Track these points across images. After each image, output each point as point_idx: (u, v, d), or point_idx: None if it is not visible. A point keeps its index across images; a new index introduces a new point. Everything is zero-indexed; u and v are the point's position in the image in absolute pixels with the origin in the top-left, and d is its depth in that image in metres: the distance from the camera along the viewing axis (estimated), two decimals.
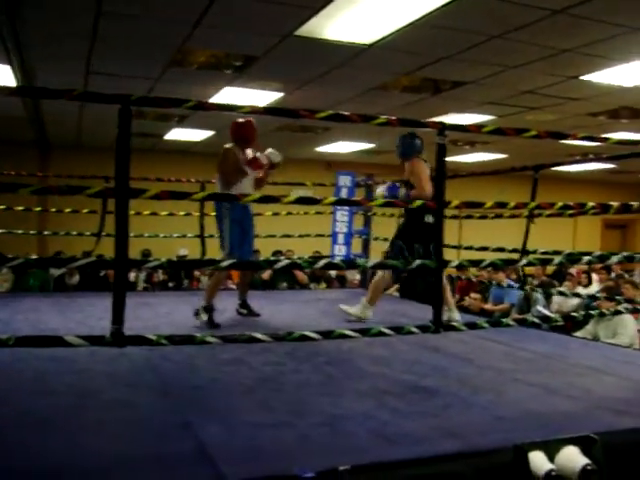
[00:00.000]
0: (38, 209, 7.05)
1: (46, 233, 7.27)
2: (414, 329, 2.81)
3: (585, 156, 11.41)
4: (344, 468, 1.94)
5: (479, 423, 2.48)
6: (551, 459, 1.98)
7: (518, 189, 9.78)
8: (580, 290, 8.21)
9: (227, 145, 4.78)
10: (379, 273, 4.99)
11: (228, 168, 4.67)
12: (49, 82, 6.53)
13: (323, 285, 10.40)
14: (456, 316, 4.87)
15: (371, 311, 4.86)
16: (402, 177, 4.88)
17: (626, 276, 9.17)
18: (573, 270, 8.52)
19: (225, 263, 2.29)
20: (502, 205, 2.98)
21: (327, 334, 2.56)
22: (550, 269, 10.47)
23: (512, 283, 8.30)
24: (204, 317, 4.52)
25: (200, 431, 2.29)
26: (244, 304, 5.07)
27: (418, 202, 3.22)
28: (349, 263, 2.93)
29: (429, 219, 4.79)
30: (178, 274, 10.68)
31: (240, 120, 4.83)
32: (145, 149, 11.53)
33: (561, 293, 6.23)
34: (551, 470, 1.91)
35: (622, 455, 2.23)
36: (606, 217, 15.31)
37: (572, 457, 1.99)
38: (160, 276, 10.58)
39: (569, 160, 10.74)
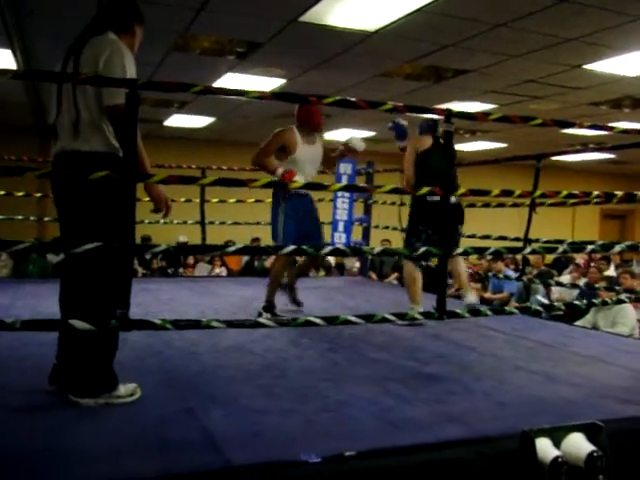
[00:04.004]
0: (38, 195, 6.98)
1: (46, 219, 7.18)
2: (418, 315, 2.81)
3: (585, 146, 11.37)
4: (350, 454, 1.95)
5: (482, 409, 2.49)
6: (557, 446, 1.99)
7: (516, 178, 9.77)
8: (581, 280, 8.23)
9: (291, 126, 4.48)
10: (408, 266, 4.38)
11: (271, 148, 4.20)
12: (51, 66, 6.46)
13: (322, 273, 10.40)
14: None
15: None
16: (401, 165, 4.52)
17: None
18: (580, 260, 8.49)
19: (232, 248, 2.28)
20: (508, 193, 2.96)
21: (331, 320, 2.56)
22: (549, 258, 10.47)
23: (511, 272, 8.32)
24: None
25: (204, 417, 2.30)
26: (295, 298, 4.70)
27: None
28: (355, 250, 2.91)
29: (433, 198, 4.07)
30: (177, 260, 10.68)
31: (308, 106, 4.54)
32: (142, 135, 11.45)
33: (560, 284, 6.25)
34: (558, 456, 1.92)
35: (627, 442, 2.24)
36: (604, 207, 15.31)
37: (578, 444, 2.00)
38: (159, 262, 10.59)
39: (573, 150, 10.68)
